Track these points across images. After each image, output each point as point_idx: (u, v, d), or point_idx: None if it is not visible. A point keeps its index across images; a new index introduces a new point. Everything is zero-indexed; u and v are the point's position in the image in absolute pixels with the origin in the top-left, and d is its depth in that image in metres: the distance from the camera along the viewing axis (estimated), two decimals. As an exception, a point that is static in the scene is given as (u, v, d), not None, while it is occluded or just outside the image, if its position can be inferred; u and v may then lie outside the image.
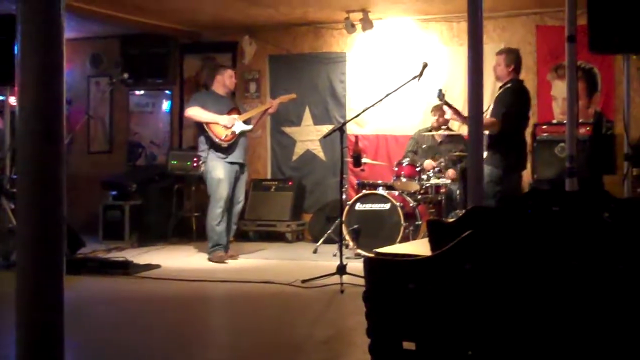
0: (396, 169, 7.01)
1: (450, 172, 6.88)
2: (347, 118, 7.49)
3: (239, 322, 4.66)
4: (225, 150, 6.72)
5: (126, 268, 6.10)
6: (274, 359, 3.74)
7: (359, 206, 6.86)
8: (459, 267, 1.80)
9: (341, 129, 5.78)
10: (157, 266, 6.38)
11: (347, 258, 5.80)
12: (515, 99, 5.69)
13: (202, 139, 6.83)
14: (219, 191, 6.67)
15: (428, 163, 7.01)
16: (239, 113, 6.89)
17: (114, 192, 8.30)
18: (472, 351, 1.83)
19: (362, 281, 2.01)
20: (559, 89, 7.45)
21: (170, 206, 8.44)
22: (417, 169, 6.90)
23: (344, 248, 5.71)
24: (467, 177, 3.96)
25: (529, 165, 6.57)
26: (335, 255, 6.15)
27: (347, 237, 6.76)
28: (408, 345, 1.93)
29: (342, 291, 5.17)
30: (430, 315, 1.87)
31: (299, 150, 8.70)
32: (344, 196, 6.29)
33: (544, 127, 7.31)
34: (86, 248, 6.94)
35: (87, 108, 9.03)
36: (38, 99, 2.18)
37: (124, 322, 4.56)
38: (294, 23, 8.45)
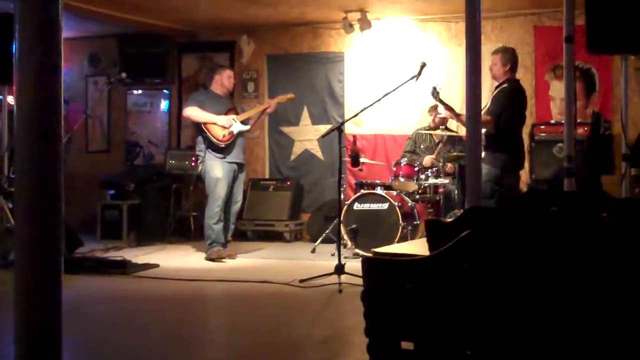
0: (394, 168, 7.01)
1: (449, 165, 6.88)
2: (346, 118, 7.49)
3: (237, 322, 4.66)
4: (223, 150, 6.72)
5: (124, 267, 6.09)
6: (272, 358, 3.74)
7: (357, 206, 6.86)
8: (457, 267, 1.80)
9: (339, 129, 5.78)
10: (155, 266, 6.38)
11: (345, 258, 5.79)
12: (511, 99, 5.70)
13: (200, 138, 6.83)
14: (217, 190, 6.67)
15: (428, 159, 7.02)
16: (237, 113, 6.88)
17: (112, 192, 8.29)
18: (471, 351, 1.84)
19: (360, 281, 2.01)
20: (557, 89, 7.45)
21: (168, 206, 8.43)
22: (416, 169, 6.91)
23: (342, 248, 5.71)
24: (465, 176, 3.97)
25: (526, 165, 6.58)
26: (333, 255, 6.16)
27: (346, 237, 6.76)
28: (406, 345, 1.93)
29: (340, 291, 5.17)
30: (429, 315, 1.87)
31: (297, 150, 8.70)
32: (342, 196, 6.29)
33: (542, 127, 7.32)
34: (84, 247, 6.93)
35: (85, 107, 9.02)
36: (36, 99, 2.18)
37: (122, 322, 4.55)
38: (292, 23, 8.45)
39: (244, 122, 6.84)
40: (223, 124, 6.69)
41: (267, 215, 8.31)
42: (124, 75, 7.57)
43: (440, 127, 7.13)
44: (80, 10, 7.28)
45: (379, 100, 5.79)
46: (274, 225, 8.27)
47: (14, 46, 2.20)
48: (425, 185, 6.91)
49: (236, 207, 6.96)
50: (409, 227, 6.74)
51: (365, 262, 1.98)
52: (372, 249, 2.37)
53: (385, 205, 6.74)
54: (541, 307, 1.73)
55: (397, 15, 8.09)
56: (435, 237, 2.10)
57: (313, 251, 7.19)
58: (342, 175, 6.18)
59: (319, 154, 8.58)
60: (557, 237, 1.77)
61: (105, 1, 7.41)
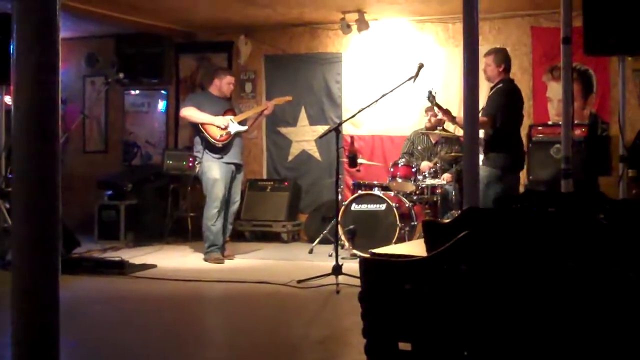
0: (392, 169, 7.01)
1: (447, 176, 6.90)
2: (343, 118, 7.50)
3: (234, 322, 4.66)
4: (220, 150, 6.72)
5: (122, 268, 6.09)
6: (270, 358, 3.74)
7: (354, 207, 6.86)
8: (455, 267, 1.80)
9: (337, 130, 5.79)
10: (153, 266, 6.38)
11: (342, 258, 5.80)
12: (507, 99, 5.70)
13: (197, 139, 6.83)
14: (215, 191, 6.67)
15: (425, 165, 7.02)
16: (235, 114, 6.88)
17: (109, 192, 8.29)
18: (468, 352, 1.84)
19: (357, 281, 2.01)
20: (555, 90, 7.46)
21: (166, 206, 8.43)
22: (413, 170, 6.91)
23: (339, 248, 5.71)
24: (462, 177, 3.97)
25: (525, 166, 6.57)
26: (331, 256, 6.16)
27: (343, 238, 6.76)
28: (404, 346, 1.93)
29: (337, 291, 5.17)
30: (426, 316, 1.87)
31: (294, 150, 8.70)
32: (339, 197, 6.29)
33: (540, 128, 7.33)
34: (81, 248, 6.92)
35: (83, 107, 9.00)
36: (33, 98, 2.17)
37: (120, 322, 4.55)
38: (290, 23, 8.45)
39: (241, 123, 6.84)
40: (220, 125, 6.69)
41: (264, 215, 8.31)
42: (121, 75, 7.56)
43: (437, 127, 7.13)
44: (77, 10, 7.27)
45: (377, 101, 5.79)
46: (272, 226, 8.27)
47: (11, 46, 2.20)
48: (423, 186, 6.91)
49: (234, 207, 6.96)
50: (407, 228, 6.74)
51: (363, 262, 1.98)
52: (370, 250, 2.37)
53: (383, 206, 6.75)
54: (539, 308, 1.73)
55: (395, 16, 8.10)
56: (433, 238, 2.10)
57: (311, 252, 7.19)
58: (340, 176, 6.19)
59: (317, 154, 8.58)
60: (554, 238, 1.77)
61: (103, 1, 7.40)
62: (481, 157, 5.41)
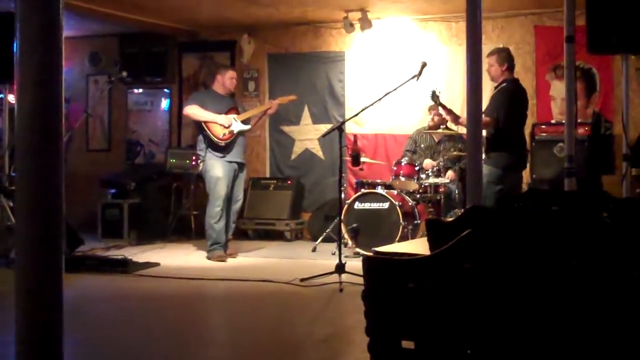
0: (395, 168, 7.01)
1: (450, 174, 6.89)
2: (346, 117, 7.50)
3: (237, 321, 4.66)
4: (223, 149, 6.72)
5: (125, 266, 6.10)
6: (273, 357, 3.74)
7: (357, 205, 6.86)
8: (458, 266, 1.80)
9: (340, 128, 5.79)
10: (156, 264, 6.39)
11: (346, 257, 5.80)
12: (508, 98, 5.69)
13: (200, 137, 6.83)
14: (217, 189, 6.68)
15: (428, 162, 7.02)
16: (238, 112, 6.89)
17: (112, 191, 8.30)
18: (471, 350, 1.84)
19: (361, 280, 2.01)
20: (558, 89, 7.45)
21: (169, 204, 8.44)
22: (416, 168, 6.91)
23: (342, 247, 5.71)
24: (465, 176, 3.97)
25: (527, 165, 6.57)
26: (334, 254, 6.16)
27: (346, 236, 6.76)
28: (407, 344, 1.93)
29: (341, 290, 5.17)
30: (429, 314, 1.87)
31: (297, 149, 8.70)
32: (342, 195, 6.29)
33: (543, 127, 7.32)
34: (85, 246, 6.93)
35: (86, 106, 9.01)
36: (37, 97, 2.17)
37: (123, 320, 4.56)
38: (293, 22, 8.45)
39: (244, 122, 6.85)
40: (223, 123, 6.69)
41: (267, 214, 8.31)
42: (124, 74, 7.57)
43: (441, 126, 7.13)
44: (81, 9, 7.28)
45: (380, 99, 5.79)
46: (275, 225, 8.28)
47: (15, 45, 2.20)
48: (426, 184, 6.91)
49: (237, 206, 6.97)
50: (410, 227, 6.74)
51: (366, 261, 1.98)
52: (373, 248, 2.37)
53: (386, 205, 6.74)
54: (542, 306, 1.73)
55: (398, 15, 8.09)
56: (436, 236, 2.10)
57: (314, 250, 7.19)
58: (343, 175, 6.18)
59: (320, 153, 8.58)
60: (557, 237, 1.77)
61: (107, 0, 7.41)
62: (483, 156, 5.40)
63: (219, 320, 4.89)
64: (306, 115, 8.60)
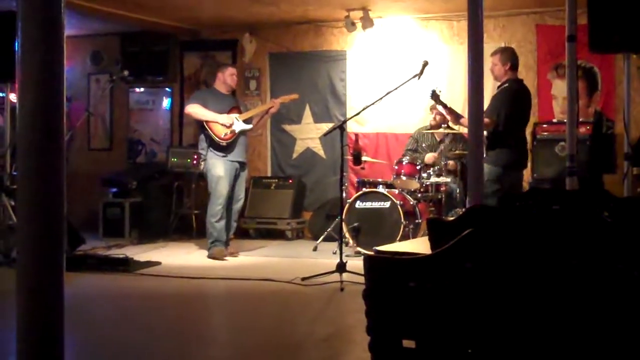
0: (396, 167, 7.01)
1: (451, 163, 6.88)
2: (348, 116, 7.50)
3: (239, 320, 4.66)
4: (224, 148, 6.72)
5: (126, 265, 6.10)
6: (274, 356, 3.74)
7: (359, 204, 6.86)
8: (459, 265, 1.80)
9: (341, 127, 5.78)
10: (157, 263, 6.39)
11: (347, 256, 5.80)
12: (508, 99, 5.67)
13: (202, 137, 6.83)
14: (219, 188, 6.68)
15: (429, 156, 7.01)
16: (240, 111, 6.88)
17: (114, 189, 8.30)
18: (472, 349, 1.84)
19: (362, 279, 2.01)
20: (559, 88, 7.44)
21: (171, 203, 8.44)
22: (418, 167, 6.90)
23: (344, 246, 5.71)
24: (467, 175, 3.97)
25: (529, 164, 6.57)
26: (335, 253, 6.16)
27: (347, 235, 6.76)
28: (408, 343, 1.93)
29: (342, 289, 5.17)
30: (430, 313, 1.87)
31: (299, 148, 8.70)
32: (344, 194, 6.29)
33: (544, 126, 7.31)
34: (86, 245, 6.93)
35: (87, 105, 9.01)
36: (38, 96, 2.17)
37: (124, 319, 4.56)
38: (294, 21, 8.44)
39: (246, 121, 6.84)
40: (224, 123, 6.69)
41: (269, 213, 8.31)
42: (126, 73, 7.57)
43: (442, 125, 7.12)
44: (83, 8, 7.28)
45: (381, 98, 5.79)
46: (276, 224, 8.27)
47: (16, 44, 2.20)
48: (427, 183, 6.91)
49: (238, 205, 6.97)
50: (411, 226, 6.73)
51: (367, 260, 1.98)
52: (374, 248, 2.37)
53: (387, 204, 6.74)
54: (543, 305, 1.73)
55: (399, 14, 8.08)
56: (437, 235, 2.10)
57: (315, 249, 7.19)
58: (344, 174, 6.18)
59: (321, 152, 8.58)
60: (559, 236, 1.77)
61: (108, -1, 7.42)
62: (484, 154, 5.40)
63: (220, 319, 4.89)
64: (307, 114, 8.60)
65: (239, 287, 5.51)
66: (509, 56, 5.80)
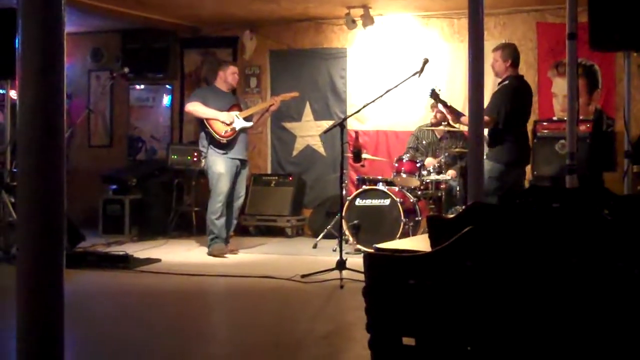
0: (396, 164, 7.00)
1: (451, 172, 6.89)
2: (348, 114, 7.49)
3: (238, 317, 4.66)
4: (224, 146, 6.72)
5: (126, 262, 6.10)
6: (274, 353, 3.74)
7: (359, 202, 6.86)
8: (459, 263, 1.80)
9: (341, 125, 5.78)
10: (157, 260, 6.39)
11: (346, 253, 5.80)
12: (508, 96, 5.66)
13: (202, 134, 6.83)
14: (219, 186, 6.68)
15: (429, 161, 7.01)
16: (241, 109, 6.88)
17: (114, 186, 8.30)
18: (472, 347, 1.84)
19: (361, 276, 2.02)
20: (560, 86, 7.44)
21: (171, 201, 8.44)
22: (418, 165, 6.90)
23: (343, 243, 5.71)
24: (467, 173, 3.96)
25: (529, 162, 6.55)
26: (335, 251, 6.16)
27: (347, 233, 6.76)
28: (408, 340, 1.93)
29: (341, 286, 5.17)
30: (430, 311, 1.87)
31: (299, 145, 8.70)
32: (344, 192, 6.29)
33: (544, 124, 7.31)
34: (86, 242, 6.93)
35: (88, 102, 9.02)
36: (39, 93, 2.17)
37: (124, 316, 4.56)
38: (295, 18, 8.44)
39: (247, 119, 6.84)
40: (225, 120, 6.69)
41: (269, 210, 8.31)
42: (126, 70, 7.57)
43: (442, 123, 7.11)
44: (83, 5, 7.28)
45: (382, 96, 5.78)
46: (276, 221, 8.28)
47: (16, 41, 2.20)
48: (427, 181, 6.90)
49: (239, 202, 6.97)
50: (411, 223, 6.73)
51: (367, 257, 1.98)
52: (374, 245, 2.37)
53: (387, 201, 6.74)
54: (543, 304, 1.72)
55: (400, 12, 8.08)
56: (437, 233, 2.10)
57: (315, 247, 7.19)
58: (344, 171, 6.18)
59: (321, 149, 8.58)
60: (559, 234, 1.76)
61: (109, -4, 7.42)
62: (485, 150, 5.40)
63: (219, 317, 4.89)
64: (308, 112, 8.59)
65: (238, 284, 5.51)
66: (510, 53, 5.79)
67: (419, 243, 2.37)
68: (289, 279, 5.47)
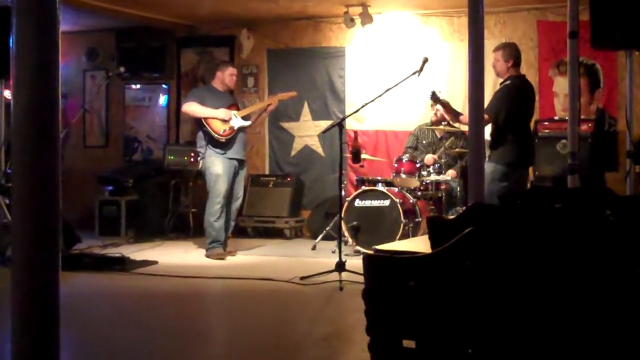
0: (396, 165, 6.98)
1: (451, 172, 6.87)
2: (346, 113, 7.47)
3: (237, 319, 4.64)
4: (223, 145, 6.69)
5: (123, 264, 6.06)
6: (273, 356, 3.71)
7: (358, 202, 6.83)
8: (460, 264, 1.78)
9: (340, 125, 5.75)
10: (154, 262, 6.35)
11: (346, 255, 5.77)
12: (508, 96, 5.62)
13: (200, 134, 6.80)
14: (218, 187, 6.65)
15: (429, 157, 6.99)
16: (238, 109, 6.86)
17: (110, 187, 8.27)
18: (473, 349, 1.82)
19: (361, 278, 1.99)
20: (561, 85, 7.42)
21: (167, 202, 8.42)
22: (417, 165, 6.88)
23: (343, 245, 5.68)
24: (467, 173, 3.94)
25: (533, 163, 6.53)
26: (334, 252, 6.14)
27: (346, 234, 6.73)
28: (408, 343, 1.91)
29: (341, 288, 5.14)
30: (431, 313, 1.85)
31: (297, 145, 8.67)
32: (343, 192, 6.27)
33: (546, 123, 7.28)
34: (82, 244, 6.89)
35: (83, 102, 9.00)
36: (33, 93, 2.16)
37: (121, 319, 4.53)
38: (293, 17, 8.42)
39: (244, 118, 6.82)
40: (223, 117, 6.66)
41: (267, 211, 8.29)
42: (122, 69, 7.54)
43: (442, 122, 7.10)
44: (78, 3, 7.25)
45: (381, 95, 5.76)
46: (274, 222, 8.25)
47: (11, 40, 2.18)
48: (427, 181, 6.89)
49: (237, 203, 6.95)
50: (411, 224, 6.71)
51: (367, 259, 1.96)
52: (374, 246, 2.35)
53: (387, 202, 6.72)
54: (544, 304, 1.71)
55: (399, 10, 8.06)
56: (438, 234, 2.08)
57: (314, 248, 7.16)
58: (343, 172, 6.16)
59: (320, 150, 8.56)
60: (560, 234, 1.75)
61: (104, -6, 7.39)
62: (487, 152, 5.37)
63: (217, 319, 4.86)
64: (306, 112, 8.57)
65: (237, 286, 5.49)
66: (512, 52, 5.75)
67: (419, 244, 2.35)
68: (287, 280, 5.44)
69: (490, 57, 5.71)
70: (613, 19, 4.45)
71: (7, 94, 6.41)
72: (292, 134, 8.68)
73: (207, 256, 6.70)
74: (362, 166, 7.47)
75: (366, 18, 7.92)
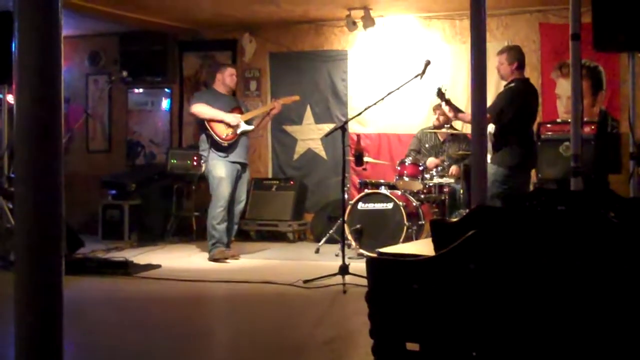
0: (399, 168, 6.98)
1: (454, 168, 6.86)
2: (349, 116, 7.48)
3: (240, 323, 4.63)
4: (225, 149, 6.70)
5: (126, 268, 6.07)
6: (276, 359, 3.71)
7: (361, 206, 6.83)
8: (463, 267, 1.78)
9: (343, 128, 5.75)
10: (157, 266, 6.36)
11: (349, 258, 5.77)
12: (511, 98, 5.61)
13: (203, 137, 6.81)
14: (220, 190, 6.65)
15: (431, 161, 6.98)
16: (241, 112, 6.86)
17: (113, 192, 8.28)
18: (477, 352, 1.81)
19: (364, 281, 1.99)
20: (563, 87, 7.42)
21: (170, 206, 8.42)
22: (420, 168, 6.88)
23: (346, 248, 5.69)
24: (470, 176, 3.93)
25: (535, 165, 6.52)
26: (337, 256, 6.13)
27: (350, 237, 6.73)
28: (412, 346, 1.91)
29: (344, 291, 5.14)
30: (434, 316, 1.85)
31: (300, 149, 8.67)
32: (346, 195, 6.26)
33: (548, 126, 7.27)
34: (85, 248, 6.90)
35: (86, 106, 9.02)
36: (36, 97, 2.15)
37: (124, 322, 4.53)
38: (295, 20, 8.43)
39: (248, 122, 6.82)
40: (230, 122, 6.67)
41: (270, 215, 8.29)
42: (124, 73, 7.56)
43: (445, 125, 7.10)
44: (81, 8, 7.27)
45: (383, 98, 5.76)
46: (278, 226, 8.25)
47: (13, 44, 2.18)
48: (430, 184, 6.88)
49: (239, 207, 6.95)
50: (414, 227, 6.70)
51: (370, 262, 1.96)
52: (377, 249, 2.35)
53: (390, 205, 6.71)
54: (548, 307, 1.70)
55: (401, 13, 8.07)
56: (441, 237, 2.08)
57: (317, 251, 7.16)
58: (346, 175, 6.15)
59: (323, 153, 8.56)
60: (564, 237, 1.74)
61: (107, -1, 7.41)
62: (489, 155, 5.36)
63: (220, 322, 4.86)
64: (308, 115, 8.57)
65: (240, 289, 5.49)
66: (516, 55, 5.74)
67: (423, 247, 2.34)
68: (291, 284, 5.44)
69: (492, 60, 5.70)
70: (615, 21, 4.44)
71: (10, 98, 6.42)
72: (294, 137, 8.68)
73: (210, 258, 6.70)
74: (365, 169, 7.47)
75: (368, 21, 7.92)
